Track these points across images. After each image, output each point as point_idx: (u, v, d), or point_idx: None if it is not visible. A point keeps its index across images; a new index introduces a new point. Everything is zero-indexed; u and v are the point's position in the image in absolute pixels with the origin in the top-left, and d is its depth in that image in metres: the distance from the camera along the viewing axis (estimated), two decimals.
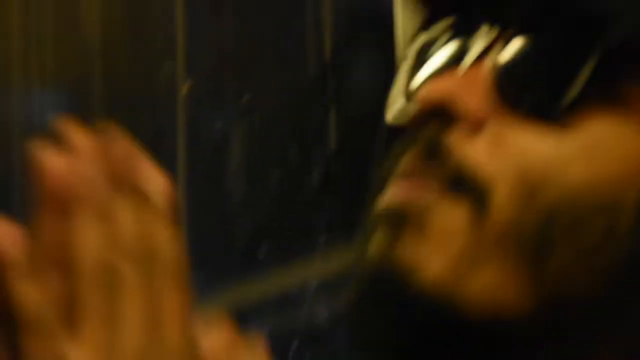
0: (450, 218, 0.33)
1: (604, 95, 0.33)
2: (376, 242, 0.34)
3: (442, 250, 0.33)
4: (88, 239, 0.27)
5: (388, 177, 0.35)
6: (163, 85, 1.39)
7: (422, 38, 0.38)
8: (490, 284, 0.32)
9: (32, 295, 0.27)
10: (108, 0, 1.50)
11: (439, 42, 0.36)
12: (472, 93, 0.33)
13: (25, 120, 1.55)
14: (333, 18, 1.23)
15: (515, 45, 0.34)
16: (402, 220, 0.33)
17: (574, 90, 0.33)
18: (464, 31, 0.35)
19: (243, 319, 1.27)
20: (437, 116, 0.33)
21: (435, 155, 0.33)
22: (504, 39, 0.34)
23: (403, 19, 1.00)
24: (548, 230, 0.32)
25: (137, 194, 0.28)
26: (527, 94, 0.34)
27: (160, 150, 1.47)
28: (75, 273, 0.27)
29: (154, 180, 0.29)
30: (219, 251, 1.32)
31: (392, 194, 0.34)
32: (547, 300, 0.32)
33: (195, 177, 1.35)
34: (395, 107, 0.37)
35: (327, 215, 1.19)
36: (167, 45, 1.39)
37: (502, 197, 0.32)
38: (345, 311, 0.36)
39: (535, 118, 0.33)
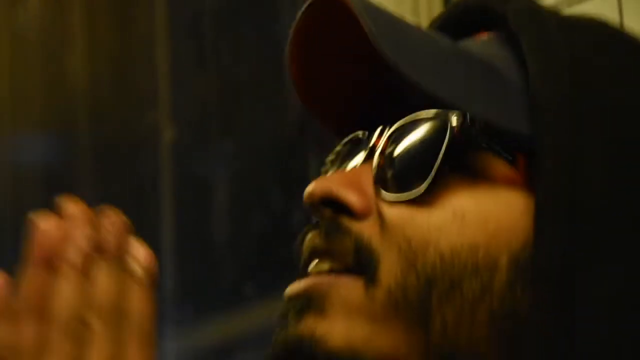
0: (347, 295, 0.36)
1: (465, 167, 0.37)
2: (288, 326, 0.37)
3: (341, 322, 0.36)
4: (64, 293, 0.31)
5: (300, 265, 0.40)
6: (148, 133, 1.40)
7: (337, 149, 0.43)
8: (385, 346, 0.36)
9: (4, 336, 0.31)
10: (94, 50, 1.51)
11: (342, 151, 0.43)
12: (353, 185, 0.38)
13: (13, 166, 1.55)
14: None
15: (389, 142, 0.38)
16: (305, 302, 0.37)
17: (432, 170, 0.36)
18: (357, 141, 0.41)
19: (228, 352, 1.27)
20: (328, 204, 0.38)
21: (333, 236, 0.37)
22: (383, 140, 0.39)
23: None
24: (428, 292, 0.36)
25: (118, 259, 0.33)
26: (398, 179, 0.38)
27: (146, 195, 1.48)
28: (49, 322, 0.31)
29: (136, 250, 0.33)
30: (206, 287, 1.33)
31: (296, 282, 0.39)
32: (435, 350, 0.36)
33: (181, 219, 1.36)
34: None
35: None
36: (151, 93, 1.41)
37: (389, 266, 0.36)
38: None
39: (407, 198, 0.37)
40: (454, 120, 0.37)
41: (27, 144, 1.60)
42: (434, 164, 0.37)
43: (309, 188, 0.38)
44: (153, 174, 1.39)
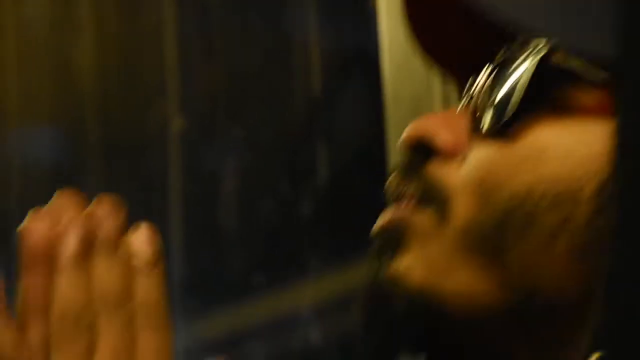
0: (422, 229, 0.38)
1: (546, 101, 0.38)
2: (373, 262, 0.39)
3: (419, 258, 0.37)
4: (65, 290, 0.31)
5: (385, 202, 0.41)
6: (156, 124, 1.40)
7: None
8: (463, 283, 0.36)
9: (7, 340, 0.30)
10: (102, 40, 1.51)
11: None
12: (447, 127, 0.39)
13: (20, 159, 1.56)
14: (322, 55, 1.25)
15: (483, 83, 0.39)
16: (390, 240, 0.39)
17: (514, 106, 0.37)
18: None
19: (237, 343, 1.28)
20: (420, 147, 0.39)
21: (411, 177, 0.39)
22: (481, 80, 0.40)
23: (390, 56, 1.04)
24: (503, 227, 0.36)
25: (118, 246, 0.32)
26: (486, 114, 0.38)
27: (155, 186, 1.48)
28: (54, 320, 0.30)
29: (138, 235, 0.33)
30: (215, 279, 1.33)
31: (380, 219, 0.40)
32: (514, 288, 0.36)
33: (190, 210, 1.36)
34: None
35: (317, 244, 1.20)
36: (159, 84, 1.41)
37: (460, 204, 0.37)
38: (355, 321, 0.41)
39: (490, 138, 0.38)
40: (541, 51, 0.37)
41: (34, 138, 1.59)
42: (519, 98, 0.37)
43: (406, 131, 0.41)
44: (162, 165, 1.39)
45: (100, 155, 1.48)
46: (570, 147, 0.37)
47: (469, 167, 0.38)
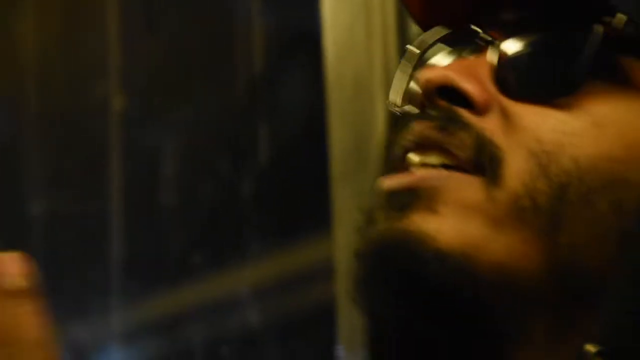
0: (465, 187, 0.33)
1: (608, 73, 0.35)
2: (386, 219, 0.34)
3: (456, 219, 0.33)
4: None
5: (393, 158, 0.36)
6: (97, 101, 1.38)
7: (423, 37, 0.39)
8: (501, 253, 0.33)
9: None
10: (43, 15, 1.48)
11: (442, 40, 0.39)
12: (474, 77, 0.35)
13: None
14: (264, 34, 1.24)
15: (517, 34, 0.36)
16: (412, 196, 0.33)
17: (578, 72, 0.34)
18: (465, 33, 0.37)
19: (176, 324, 1.27)
20: (444, 95, 0.34)
21: (450, 128, 0.34)
22: (505, 31, 0.36)
23: (332, 36, 1.04)
24: (560, 200, 0.33)
25: None
26: (532, 79, 0.36)
27: (95, 166, 1.46)
28: None
29: (5, 267, 0.29)
30: (154, 260, 1.32)
31: (395, 176, 0.35)
32: (558, 266, 0.33)
33: (130, 189, 1.34)
34: (400, 89, 0.38)
35: (257, 224, 1.20)
36: (100, 61, 1.38)
37: (516, 167, 0.33)
38: (355, 287, 0.36)
39: (541, 100, 0.34)
40: (602, 21, 0.34)
41: None
42: (577, 69, 0.34)
43: (427, 74, 0.35)
44: (102, 143, 1.36)
45: (39, 132, 1.45)
46: (628, 126, 0.35)
47: (524, 129, 0.34)
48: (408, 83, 0.38)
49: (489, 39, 0.36)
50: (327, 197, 0.90)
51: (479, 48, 0.36)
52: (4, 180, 1.42)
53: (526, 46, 0.36)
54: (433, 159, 0.34)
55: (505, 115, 0.34)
